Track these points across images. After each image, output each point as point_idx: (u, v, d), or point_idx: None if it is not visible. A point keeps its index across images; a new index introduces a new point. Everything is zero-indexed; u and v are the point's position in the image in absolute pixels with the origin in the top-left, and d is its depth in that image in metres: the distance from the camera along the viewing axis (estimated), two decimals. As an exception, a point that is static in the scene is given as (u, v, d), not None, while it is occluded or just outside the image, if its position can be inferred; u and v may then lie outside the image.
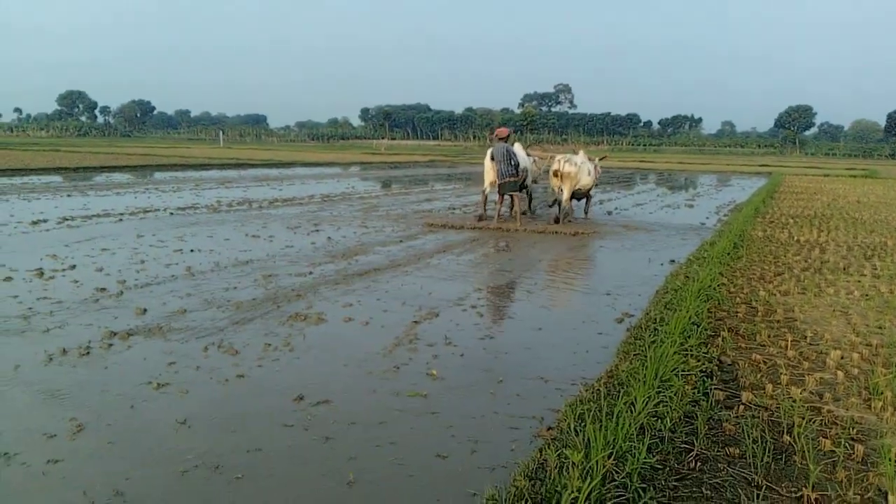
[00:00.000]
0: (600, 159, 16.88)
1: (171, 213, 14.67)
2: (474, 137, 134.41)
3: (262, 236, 11.87)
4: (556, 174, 14.72)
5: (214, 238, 11.52)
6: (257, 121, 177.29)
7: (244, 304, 7.32)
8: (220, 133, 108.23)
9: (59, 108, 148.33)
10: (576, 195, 15.20)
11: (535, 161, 15.99)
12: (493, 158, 14.07)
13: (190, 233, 12.00)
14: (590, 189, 15.59)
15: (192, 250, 10.28)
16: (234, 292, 7.81)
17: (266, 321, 6.70)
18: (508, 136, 14.94)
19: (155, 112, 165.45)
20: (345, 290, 8.07)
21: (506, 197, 14.58)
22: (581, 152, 15.64)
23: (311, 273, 8.94)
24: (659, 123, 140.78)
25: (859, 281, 8.88)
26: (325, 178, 28.92)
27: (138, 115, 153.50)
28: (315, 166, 39.32)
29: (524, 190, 15.47)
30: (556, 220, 14.62)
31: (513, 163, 14.03)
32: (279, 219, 14.29)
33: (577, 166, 14.59)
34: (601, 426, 3.79)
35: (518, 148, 14.97)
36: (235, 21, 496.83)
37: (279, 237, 11.82)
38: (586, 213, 16.22)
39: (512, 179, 14.09)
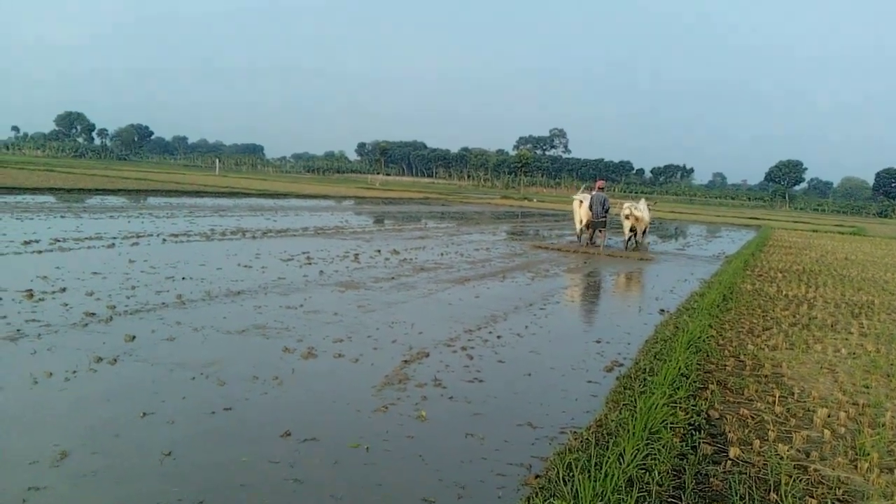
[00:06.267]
0: (654, 204, 21.78)
1: (164, 240, 14.64)
2: (469, 177, 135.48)
3: (255, 267, 11.86)
4: (626, 217, 19.96)
5: (207, 267, 11.50)
6: (254, 150, 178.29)
7: (234, 334, 7.29)
8: (217, 161, 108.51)
9: (56, 128, 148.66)
10: (637, 232, 20.74)
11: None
12: (591, 203, 19.36)
13: (182, 260, 11.97)
14: (647, 228, 21.29)
15: (183, 278, 10.25)
16: (224, 322, 7.78)
17: (255, 353, 6.68)
18: (604, 187, 20.41)
19: (152, 137, 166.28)
20: (336, 323, 8.06)
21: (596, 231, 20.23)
22: (642, 201, 21.20)
23: (301, 306, 8.93)
24: (651, 172, 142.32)
25: (846, 339, 8.93)
26: (320, 211, 28.97)
27: (136, 139, 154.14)
28: (310, 198, 39.42)
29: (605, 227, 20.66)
30: (625, 247, 20.43)
31: (605, 207, 19.38)
32: (272, 249, 14.28)
33: (642, 211, 20.12)
34: (590, 477, 3.78)
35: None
36: (237, 50, 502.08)
37: (272, 268, 11.81)
38: (642, 245, 21.35)
39: (602, 219, 19.51)
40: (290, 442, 4.67)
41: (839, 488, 4.29)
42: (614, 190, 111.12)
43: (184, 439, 4.60)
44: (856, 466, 4.68)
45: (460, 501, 4.00)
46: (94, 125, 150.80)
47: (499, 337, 8.11)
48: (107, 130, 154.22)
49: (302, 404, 5.45)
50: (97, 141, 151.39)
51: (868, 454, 4.82)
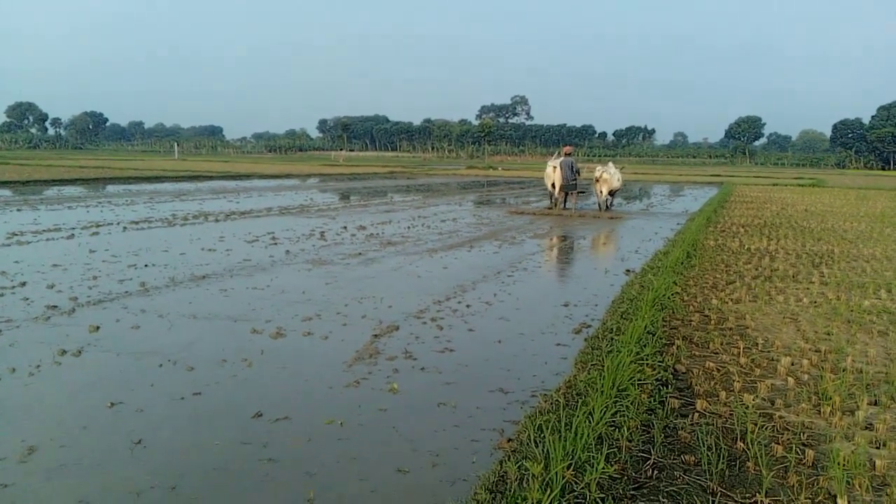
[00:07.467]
0: (621, 168, 22.51)
1: (125, 228, 14.40)
2: (433, 148, 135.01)
3: (219, 250, 11.73)
4: (597, 180, 21.23)
5: (170, 252, 11.34)
6: (213, 132, 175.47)
7: (200, 319, 7.22)
8: (175, 145, 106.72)
9: (7, 119, 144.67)
10: (609, 194, 21.48)
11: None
12: (560, 167, 20.21)
13: (144, 247, 11.79)
14: (617, 190, 21.93)
15: (146, 265, 10.11)
16: (190, 307, 7.70)
17: (223, 337, 6.63)
18: (571, 153, 21.52)
19: (108, 124, 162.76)
20: (304, 302, 8.02)
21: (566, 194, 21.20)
22: (610, 164, 21.93)
23: (268, 286, 8.87)
24: (613, 135, 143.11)
25: (808, 288, 9.12)
26: (284, 191, 28.69)
27: (90, 126, 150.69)
28: (273, 178, 38.99)
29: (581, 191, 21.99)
30: (599, 209, 21.50)
31: (573, 169, 20.56)
32: (236, 231, 14.12)
33: (611, 174, 21.00)
34: (560, 437, 3.83)
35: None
36: (189, 29, 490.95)
37: (236, 250, 11.68)
38: (611, 206, 21.94)
39: (572, 182, 20.60)
40: (263, 423, 4.66)
41: (804, 433, 4.41)
42: (578, 154, 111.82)
43: (154, 427, 4.56)
44: (819, 411, 4.80)
45: (435, 469, 4.03)
46: (46, 115, 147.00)
47: (468, 306, 8.14)
48: (60, 119, 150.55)
49: (273, 385, 5.43)
50: (51, 131, 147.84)
51: (830, 398, 4.95)
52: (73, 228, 14.02)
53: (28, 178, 29.82)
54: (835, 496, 3.59)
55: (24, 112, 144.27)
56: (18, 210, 17.82)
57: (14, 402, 4.94)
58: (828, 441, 4.30)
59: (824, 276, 10.04)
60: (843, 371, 5.62)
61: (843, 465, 3.84)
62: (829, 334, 6.85)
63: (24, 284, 8.64)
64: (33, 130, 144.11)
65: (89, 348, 6.15)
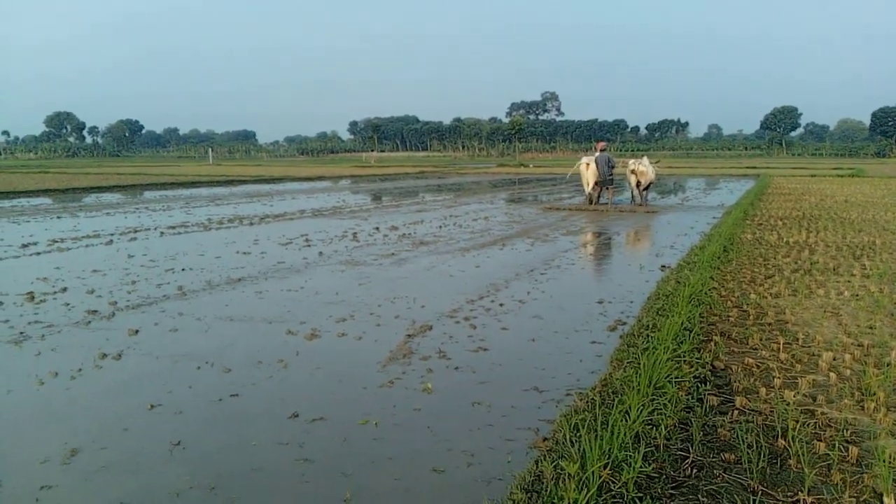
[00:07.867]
0: (656, 162, 22.44)
1: (162, 233, 14.63)
2: (463, 147, 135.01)
3: (254, 253, 11.85)
4: (632, 173, 21.04)
5: (206, 256, 11.49)
6: (246, 137, 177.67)
7: (236, 321, 7.30)
8: (210, 150, 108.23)
9: (47, 129, 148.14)
10: (644, 188, 21.51)
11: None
12: (596, 163, 20.26)
13: (181, 252, 11.97)
14: (652, 183, 21.82)
15: (183, 269, 10.25)
16: (227, 310, 7.79)
17: (259, 338, 6.69)
18: (605, 147, 21.54)
19: (143, 131, 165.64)
20: (338, 303, 8.06)
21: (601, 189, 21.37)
22: (645, 158, 21.61)
23: (302, 288, 8.93)
24: (646, 128, 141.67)
25: (849, 281, 8.92)
26: (316, 193, 28.91)
27: (127, 134, 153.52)
28: (305, 181, 39.32)
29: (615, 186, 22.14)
30: (633, 202, 21.71)
31: (610, 165, 20.55)
32: (270, 234, 14.26)
33: (646, 167, 20.87)
34: (596, 436, 3.79)
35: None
36: (222, 35, 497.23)
37: (271, 253, 11.80)
38: (646, 200, 21.84)
39: (609, 178, 20.72)
40: (299, 423, 4.69)
41: (847, 430, 4.30)
42: (610, 150, 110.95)
43: (192, 428, 4.62)
44: (862, 407, 4.68)
45: (470, 469, 4.02)
46: (84, 123, 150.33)
47: (501, 305, 8.11)
48: (97, 128, 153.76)
49: (308, 385, 5.46)
50: (88, 139, 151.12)
51: (874, 394, 4.83)
52: (112, 234, 14.28)
53: (67, 186, 30.44)
54: (881, 494, 3.50)
55: (62, 121, 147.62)
56: (59, 217, 18.21)
57: (56, 406, 5.04)
58: (872, 438, 4.20)
59: (866, 268, 9.81)
60: (888, 366, 5.48)
61: (889, 462, 3.74)
62: (871, 328, 6.69)
63: (65, 290, 8.82)
64: (71, 139, 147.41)
65: (129, 352, 6.25)
